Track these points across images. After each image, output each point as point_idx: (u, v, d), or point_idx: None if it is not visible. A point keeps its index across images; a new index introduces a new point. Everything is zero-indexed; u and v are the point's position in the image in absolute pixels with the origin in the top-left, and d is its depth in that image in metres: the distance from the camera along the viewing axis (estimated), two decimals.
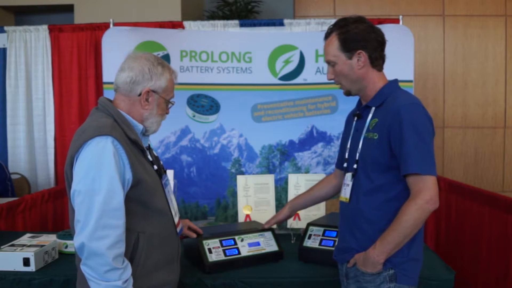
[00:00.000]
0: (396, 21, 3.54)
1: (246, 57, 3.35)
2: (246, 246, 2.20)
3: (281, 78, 3.39)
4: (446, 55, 5.15)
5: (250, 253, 2.18)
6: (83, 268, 1.41)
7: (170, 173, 2.79)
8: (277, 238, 2.27)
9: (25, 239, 2.28)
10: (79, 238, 1.39)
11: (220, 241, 2.17)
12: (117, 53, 3.32)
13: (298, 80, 3.39)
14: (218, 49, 3.30)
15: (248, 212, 2.71)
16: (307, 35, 3.60)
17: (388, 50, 3.44)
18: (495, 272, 2.15)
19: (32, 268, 2.04)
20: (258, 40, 3.43)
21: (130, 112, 1.57)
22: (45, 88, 4.05)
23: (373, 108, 1.64)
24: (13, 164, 4.05)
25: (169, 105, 1.66)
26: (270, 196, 2.74)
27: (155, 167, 1.62)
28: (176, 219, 1.68)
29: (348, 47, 1.61)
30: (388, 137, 1.55)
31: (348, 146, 1.74)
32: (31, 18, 5.43)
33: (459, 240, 2.56)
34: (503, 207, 2.11)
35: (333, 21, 3.82)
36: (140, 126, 1.59)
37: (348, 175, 1.70)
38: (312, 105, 3.32)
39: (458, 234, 2.57)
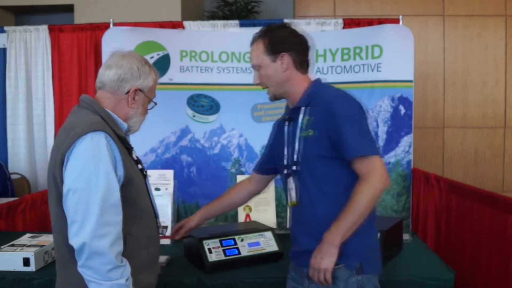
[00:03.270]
0: (396, 21, 3.54)
1: (246, 57, 3.35)
2: (246, 246, 2.20)
3: None
4: (446, 55, 5.16)
5: (250, 253, 2.18)
6: (82, 270, 1.36)
7: (170, 173, 2.79)
8: (277, 238, 2.27)
9: (25, 239, 2.28)
10: (78, 238, 1.33)
11: (220, 241, 2.17)
12: None
13: None
14: (218, 49, 3.30)
15: (248, 212, 2.71)
16: (307, 35, 3.60)
17: (388, 50, 3.45)
18: (495, 272, 2.15)
19: (32, 268, 2.03)
20: None
21: (115, 110, 1.54)
22: (45, 88, 4.06)
23: (303, 108, 1.67)
24: (13, 164, 4.05)
25: (151, 105, 1.64)
26: (270, 196, 2.74)
27: (139, 166, 1.60)
28: (159, 220, 1.67)
29: (272, 50, 1.66)
30: (326, 131, 1.58)
31: (285, 152, 1.73)
32: (31, 18, 5.43)
33: (459, 240, 2.55)
34: (503, 207, 2.11)
35: (333, 21, 3.87)
36: (125, 125, 1.56)
37: (290, 179, 1.69)
38: None
39: (458, 234, 2.57)
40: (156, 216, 1.63)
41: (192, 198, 3.34)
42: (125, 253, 1.44)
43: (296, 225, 1.71)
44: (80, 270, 1.37)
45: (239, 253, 2.16)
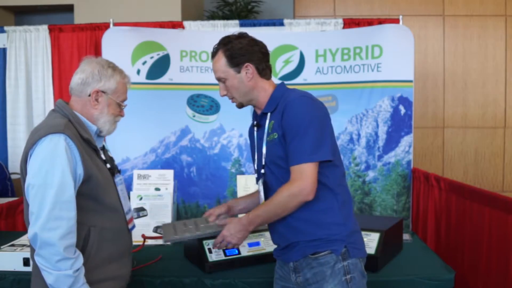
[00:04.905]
0: (396, 21, 3.54)
1: None
2: (246, 246, 2.20)
3: (281, 78, 3.39)
4: (446, 55, 5.15)
5: (250, 253, 2.18)
6: (36, 258, 1.48)
7: (170, 173, 2.79)
8: None
9: (25, 239, 2.28)
10: (32, 229, 1.46)
11: None
12: (117, 53, 3.34)
13: (298, 80, 3.39)
14: None
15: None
16: (307, 35, 3.61)
17: (388, 50, 3.46)
18: (495, 272, 2.15)
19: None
20: None
21: (83, 113, 1.65)
22: (45, 88, 4.05)
23: (269, 114, 1.72)
24: (13, 164, 4.05)
25: (122, 107, 1.73)
26: None
27: (108, 165, 1.70)
28: (128, 216, 1.75)
29: (235, 62, 1.69)
30: (283, 135, 1.64)
31: (256, 157, 1.79)
32: (31, 18, 5.43)
33: (459, 240, 2.55)
34: (503, 207, 2.11)
35: (333, 21, 3.88)
36: (94, 127, 1.67)
37: (259, 182, 1.76)
38: None
39: (458, 234, 2.57)
40: (124, 212, 1.72)
41: (192, 198, 3.35)
42: (89, 244, 1.56)
43: (278, 223, 1.72)
44: (35, 258, 1.50)
45: (239, 253, 2.17)
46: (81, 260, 1.51)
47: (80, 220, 1.52)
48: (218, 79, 1.75)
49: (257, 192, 2.00)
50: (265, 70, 1.74)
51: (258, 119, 1.78)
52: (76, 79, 1.65)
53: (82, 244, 1.55)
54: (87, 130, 1.64)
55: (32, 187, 1.49)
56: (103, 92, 1.65)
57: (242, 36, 1.73)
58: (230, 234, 1.68)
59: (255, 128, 1.80)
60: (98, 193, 1.60)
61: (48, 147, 1.50)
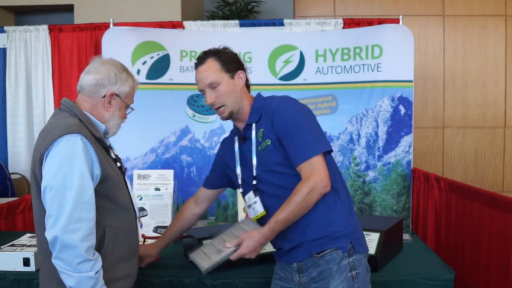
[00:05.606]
0: (396, 21, 3.54)
1: (246, 57, 3.35)
2: None
3: (281, 78, 3.39)
4: (446, 55, 5.16)
5: None
6: (55, 261, 1.45)
7: (170, 173, 2.79)
8: None
9: (25, 239, 2.28)
10: (52, 232, 1.43)
11: None
12: (117, 53, 3.34)
13: (298, 80, 3.39)
14: None
15: (248, 212, 2.70)
16: (307, 35, 3.61)
17: (388, 50, 3.46)
18: (495, 272, 2.15)
19: (32, 268, 2.04)
20: (258, 40, 3.43)
21: (92, 113, 1.63)
22: (45, 88, 4.06)
23: (254, 124, 1.71)
24: (13, 164, 4.05)
25: (128, 110, 1.73)
26: None
27: (118, 164, 1.70)
28: (137, 215, 1.75)
29: (230, 68, 1.70)
30: (278, 140, 1.63)
31: (239, 172, 1.77)
32: (31, 18, 5.43)
33: (459, 240, 2.55)
34: (503, 207, 2.11)
35: (333, 21, 3.87)
36: (103, 126, 1.65)
37: (250, 195, 1.73)
38: (312, 105, 3.32)
39: (458, 234, 2.57)
40: (134, 210, 1.72)
41: None
42: (104, 244, 1.55)
43: None
44: (53, 261, 1.46)
45: None
46: (100, 261, 1.49)
47: (95, 220, 1.50)
48: (209, 84, 1.69)
49: (175, 222, 2.08)
50: (247, 81, 1.77)
51: (243, 132, 1.76)
52: (90, 79, 1.61)
53: (98, 245, 1.53)
54: (98, 130, 1.62)
55: (50, 189, 1.45)
56: (117, 95, 1.64)
57: (227, 48, 1.76)
58: (250, 251, 1.62)
59: (237, 143, 1.79)
60: (113, 192, 1.59)
61: (65, 148, 1.47)
